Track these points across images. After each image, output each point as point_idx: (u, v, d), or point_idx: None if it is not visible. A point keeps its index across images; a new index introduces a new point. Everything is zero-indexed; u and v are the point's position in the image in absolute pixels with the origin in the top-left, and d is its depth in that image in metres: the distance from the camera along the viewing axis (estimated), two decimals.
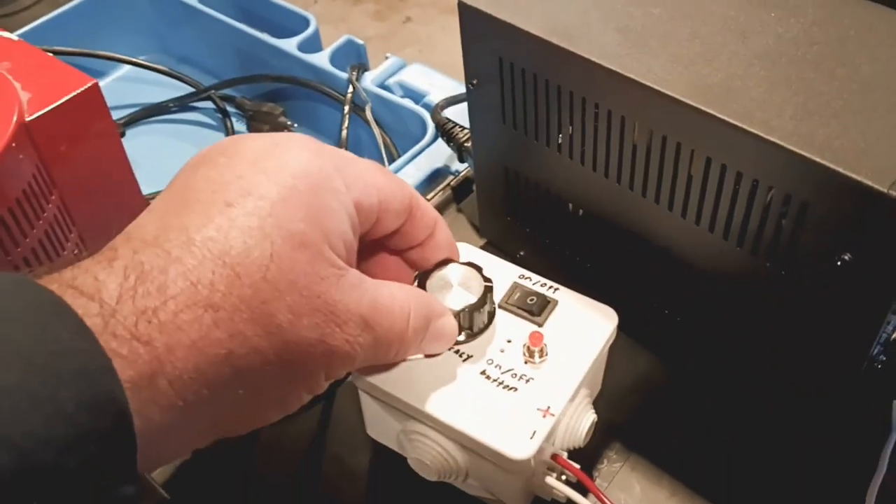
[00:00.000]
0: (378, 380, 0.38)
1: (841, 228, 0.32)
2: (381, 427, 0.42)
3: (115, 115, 0.58)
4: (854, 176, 0.30)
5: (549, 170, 0.43)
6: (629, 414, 0.44)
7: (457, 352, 0.39)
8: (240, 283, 0.27)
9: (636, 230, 0.41)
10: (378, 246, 0.36)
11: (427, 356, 0.38)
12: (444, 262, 0.39)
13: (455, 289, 0.38)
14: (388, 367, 0.37)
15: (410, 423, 0.38)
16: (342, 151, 0.32)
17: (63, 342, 0.23)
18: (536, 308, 0.40)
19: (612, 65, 0.35)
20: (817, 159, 0.31)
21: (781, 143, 0.32)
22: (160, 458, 0.28)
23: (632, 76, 0.35)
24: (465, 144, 0.52)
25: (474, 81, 0.42)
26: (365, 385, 0.39)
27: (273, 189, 0.28)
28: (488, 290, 0.38)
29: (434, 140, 0.59)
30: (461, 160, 0.54)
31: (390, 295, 0.32)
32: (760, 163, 0.33)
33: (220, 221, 0.27)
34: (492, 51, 0.40)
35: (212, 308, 0.26)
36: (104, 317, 0.24)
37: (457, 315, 0.37)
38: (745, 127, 0.32)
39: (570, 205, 0.44)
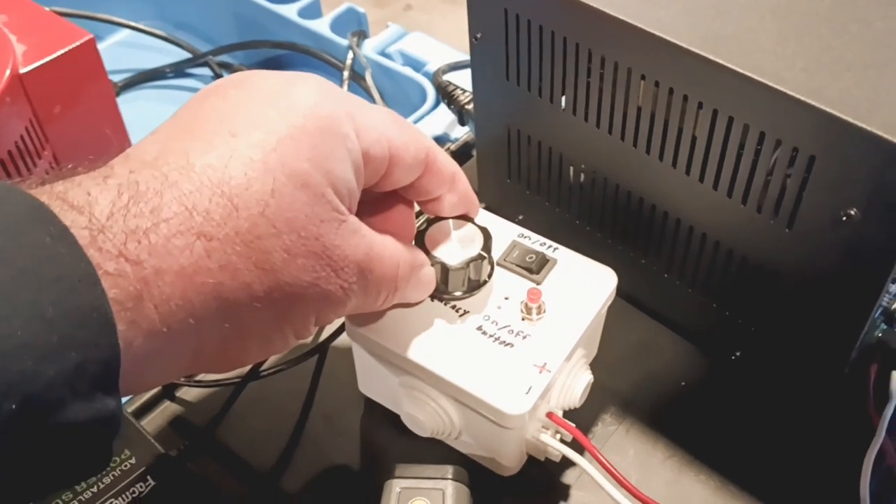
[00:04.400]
0: (374, 333, 0.37)
1: (849, 182, 0.32)
2: (374, 383, 0.41)
3: (112, 78, 0.57)
4: (866, 127, 0.30)
5: (552, 128, 0.42)
6: (625, 378, 0.43)
7: (454, 307, 0.38)
8: (236, 215, 0.26)
9: (639, 190, 0.41)
10: (387, 195, 0.35)
11: (404, 305, 0.37)
12: (436, 220, 0.38)
13: (454, 243, 0.37)
14: (375, 316, 0.37)
15: (405, 378, 0.38)
16: (357, 98, 0.32)
17: (45, 248, 0.22)
18: (535, 266, 0.39)
19: (622, 14, 0.35)
20: (828, 110, 0.31)
21: (791, 94, 0.31)
22: (137, 386, 0.27)
23: (641, 26, 0.34)
24: (467, 107, 0.51)
25: (478, 35, 0.42)
26: (360, 339, 0.38)
27: (281, 125, 0.28)
28: (487, 246, 0.37)
29: (434, 108, 0.59)
30: (462, 123, 0.53)
31: (383, 244, 0.32)
32: (768, 114, 0.33)
33: (222, 150, 0.27)
34: (497, 1, 0.40)
35: (205, 237, 0.25)
36: (92, 231, 0.24)
37: (455, 270, 0.37)
38: (755, 77, 0.32)
39: (572, 165, 0.44)
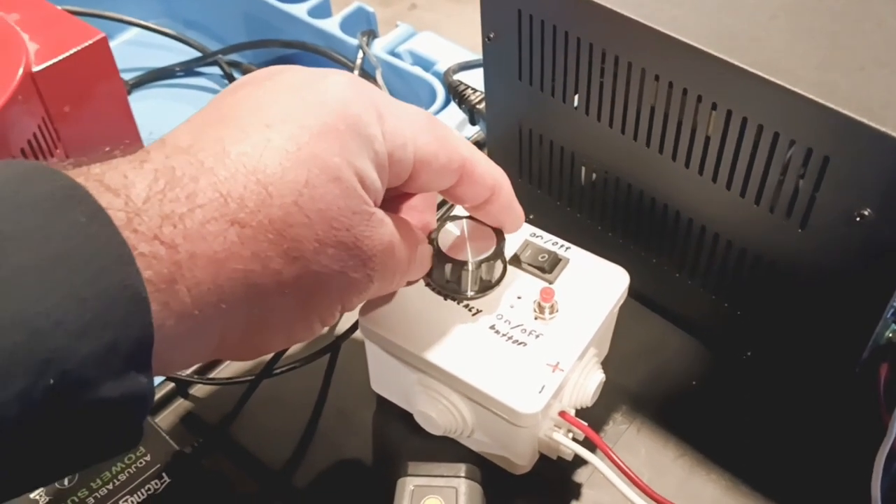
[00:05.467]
0: (388, 332, 0.37)
1: (862, 182, 0.32)
2: (386, 381, 0.41)
3: (122, 77, 0.57)
4: (879, 127, 0.30)
5: (564, 128, 0.43)
6: (636, 378, 0.43)
7: (466, 306, 0.38)
8: (270, 203, 0.26)
9: (650, 190, 0.41)
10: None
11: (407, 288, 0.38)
12: (455, 217, 0.38)
13: (467, 243, 0.38)
14: (385, 308, 0.38)
15: (418, 376, 0.38)
16: (389, 98, 0.32)
17: (80, 227, 0.23)
18: (548, 265, 0.39)
19: (636, 15, 0.35)
20: (842, 111, 0.31)
21: (805, 94, 0.31)
22: (167, 367, 0.27)
23: (655, 27, 0.34)
24: (478, 106, 0.51)
25: (491, 35, 0.42)
26: (374, 337, 0.38)
27: (313, 121, 0.28)
28: (500, 246, 0.37)
29: (443, 107, 0.59)
30: (472, 122, 0.53)
31: (404, 231, 0.33)
32: (783, 114, 0.33)
33: (256, 139, 0.27)
34: (511, 2, 0.40)
35: (238, 224, 0.26)
36: (128, 213, 0.24)
37: (468, 269, 0.37)
38: (769, 77, 0.32)
39: (584, 165, 0.44)
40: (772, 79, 0.32)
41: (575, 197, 0.45)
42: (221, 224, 0.26)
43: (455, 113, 0.56)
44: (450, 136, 0.33)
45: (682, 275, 0.43)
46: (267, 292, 0.27)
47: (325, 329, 0.32)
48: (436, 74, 0.61)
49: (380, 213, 0.30)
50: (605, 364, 0.40)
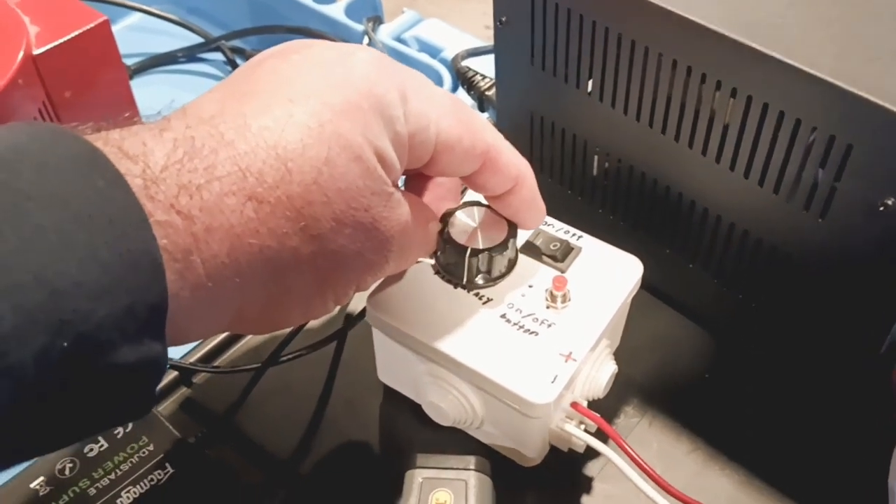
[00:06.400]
0: (396, 320, 0.37)
1: (886, 172, 0.31)
2: (394, 371, 0.41)
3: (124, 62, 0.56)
4: None
5: (578, 115, 0.42)
6: (649, 370, 0.43)
7: (476, 294, 0.37)
8: (289, 180, 0.26)
9: (665, 178, 0.40)
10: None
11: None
12: (471, 204, 0.37)
13: (478, 230, 0.37)
14: (394, 283, 0.37)
15: (427, 366, 0.37)
16: (415, 78, 0.31)
17: (98, 191, 0.22)
18: (560, 254, 0.39)
19: None
20: (868, 97, 0.30)
21: (831, 80, 0.31)
22: (180, 337, 0.27)
23: (674, 10, 0.34)
24: (487, 93, 0.50)
25: (503, 19, 0.41)
26: (382, 325, 0.37)
27: (337, 98, 0.28)
28: (511, 234, 0.37)
29: (453, 92, 0.58)
30: (482, 109, 0.52)
31: (419, 211, 0.33)
32: (806, 100, 0.32)
33: (278, 114, 0.27)
34: None
35: (256, 199, 0.26)
36: (146, 180, 0.24)
37: (479, 258, 0.36)
38: (793, 63, 0.31)
39: (597, 153, 0.43)
40: (797, 64, 0.31)
41: (587, 186, 0.44)
42: (239, 198, 0.25)
43: (463, 100, 0.55)
44: (475, 121, 0.32)
45: (696, 265, 0.42)
46: (284, 269, 0.27)
47: (337, 309, 0.32)
48: (442, 61, 0.60)
49: (398, 193, 0.30)
50: (617, 355, 0.39)
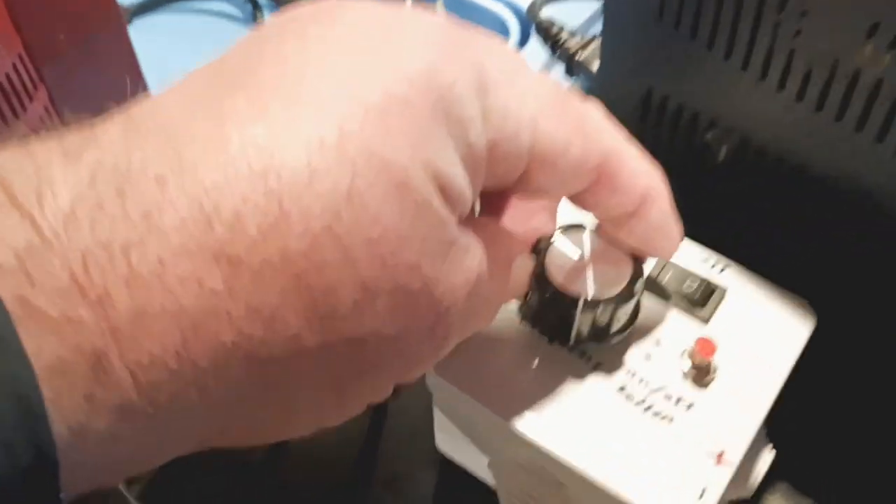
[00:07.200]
0: (469, 388, 0.26)
1: None
2: (461, 443, 0.30)
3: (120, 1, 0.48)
4: None
5: (718, 93, 0.30)
6: (802, 443, 0.32)
7: (582, 354, 0.27)
8: (285, 227, 0.17)
9: (843, 185, 0.29)
10: None
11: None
12: (574, 227, 0.26)
13: (587, 267, 0.26)
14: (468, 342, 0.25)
15: (513, 453, 0.26)
16: (500, 54, 0.21)
17: None
18: (700, 296, 0.28)
19: None
20: None
21: None
22: (113, 477, 0.19)
23: None
24: (577, 57, 0.39)
25: None
26: (448, 395, 0.27)
27: (374, 91, 0.18)
28: (637, 273, 0.25)
29: (520, 48, 0.47)
30: (570, 74, 0.41)
31: (495, 253, 0.22)
32: None
33: (277, 119, 0.17)
34: None
35: (228, 261, 0.17)
36: (31, 249, 0.15)
37: (588, 309, 0.25)
38: None
39: (729, 143, 0.32)
40: None
41: (722, 188, 0.33)
42: (198, 262, 0.16)
43: (535, 57, 0.44)
44: (589, 119, 0.22)
45: (884, 304, 0.31)
46: (277, 370, 0.18)
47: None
48: (510, 6, 0.50)
49: (466, 236, 0.20)
50: None
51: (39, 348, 0.15)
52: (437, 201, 0.19)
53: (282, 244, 0.17)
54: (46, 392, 0.15)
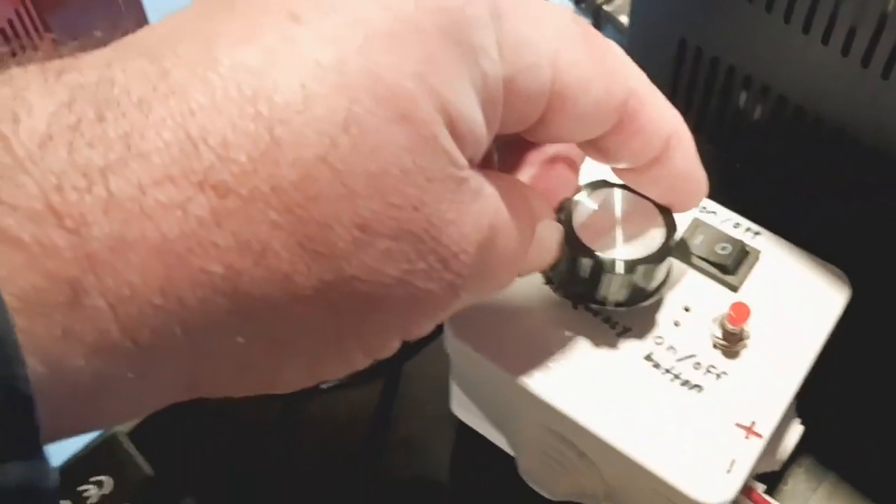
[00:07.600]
0: (490, 353, 0.25)
1: None
2: (477, 407, 0.29)
3: None
4: None
5: (756, 46, 0.29)
6: (829, 417, 0.31)
7: (607, 319, 0.26)
8: (276, 155, 0.16)
9: (887, 148, 0.27)
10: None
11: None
12: (598, 184, 0.25)
13: (616, 226, 0.25)
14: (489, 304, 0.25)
15: (535, 425, 0.26)
16: None
17: None
18: (731, 262, 0.26)
19: None
20: None
21: None
22: (93, 422, 0.17)
23: None
24: (605, 7, 0.37)
25: None
26: (467, 358, 0.26)
27: (377, 13, 0.17)
28: (670, 238, 0.24)
29: None
30: (596, 27, 0.39)
31: (512, 204, 0.20)
32: None
33: (270, 42, 0.16)
34: None
35: (214, 189, 0.15)
36: (2, 169, 0.14)
37: (616, 271, 0.24)
38: None
39: (768, 100, 0.30)
40: None
41: (762, 152, 0.32)
42: (182, 188, 0.15)
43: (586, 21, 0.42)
44: (610, 53, 0.21)
45: None
46: (267, 308, 0.17)
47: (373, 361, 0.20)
48: None
49: (476, 178, 0.19)
50: None
51: (10, 273, 0.14)
52: (444, 135, 0.17)
53: (272, 172, 0.16)
54: (20, 321, 0.14)
